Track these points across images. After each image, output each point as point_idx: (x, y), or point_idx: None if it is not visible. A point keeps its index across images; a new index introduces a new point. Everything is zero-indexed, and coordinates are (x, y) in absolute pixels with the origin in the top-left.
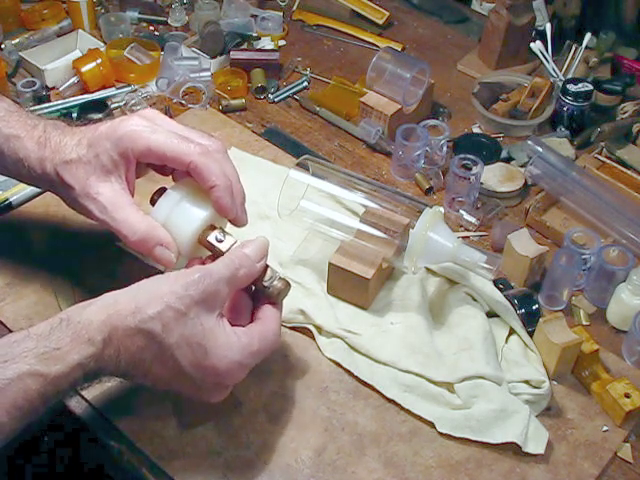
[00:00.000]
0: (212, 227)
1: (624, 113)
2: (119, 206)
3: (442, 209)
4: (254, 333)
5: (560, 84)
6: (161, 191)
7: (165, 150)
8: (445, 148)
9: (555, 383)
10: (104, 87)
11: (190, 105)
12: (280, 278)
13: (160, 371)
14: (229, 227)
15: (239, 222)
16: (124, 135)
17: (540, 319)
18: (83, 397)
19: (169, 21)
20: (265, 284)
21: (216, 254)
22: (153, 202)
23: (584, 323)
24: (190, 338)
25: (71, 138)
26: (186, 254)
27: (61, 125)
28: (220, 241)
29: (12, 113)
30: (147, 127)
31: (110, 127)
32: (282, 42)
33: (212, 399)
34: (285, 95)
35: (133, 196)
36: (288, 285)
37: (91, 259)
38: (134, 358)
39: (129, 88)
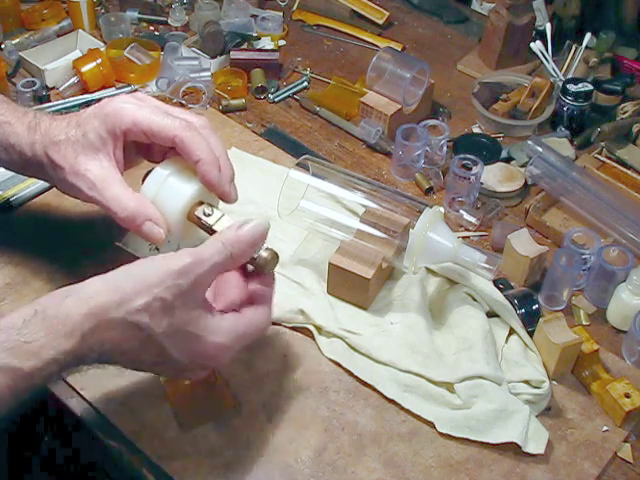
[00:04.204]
0: (200, 203)
1: (624, 113)
2: (108, 183)
3: (442, 209)
4: (243, 316)
5: (560, 84)
6: (151, 172)
7: (150, 124)
8: (445, 148)
9: (555, 383)
10: (104, 87)
11: (190, 105)
12: (267, 248)
13: (147, 357)
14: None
15: (228, 198)
16: (111, 111)
17: (540, 319)
18: (83, 397)
19: (169, 21)
20: (253, 255)
21: (206, 229)
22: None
23: (584, 323)
24: (177, 326)
25: (61, 121)
26: (175, 231)
27: (51, 114)
28: (208, 215)
29: (2, 102)
30: (133, 104)
31: (97, 106)
32: (282, 42)
33: (194, 377)
34: (285, 95)
35: (122, 174)
36: (276, 255)
37: (91, 259)
38: (120, 348)
39: (129, 88)
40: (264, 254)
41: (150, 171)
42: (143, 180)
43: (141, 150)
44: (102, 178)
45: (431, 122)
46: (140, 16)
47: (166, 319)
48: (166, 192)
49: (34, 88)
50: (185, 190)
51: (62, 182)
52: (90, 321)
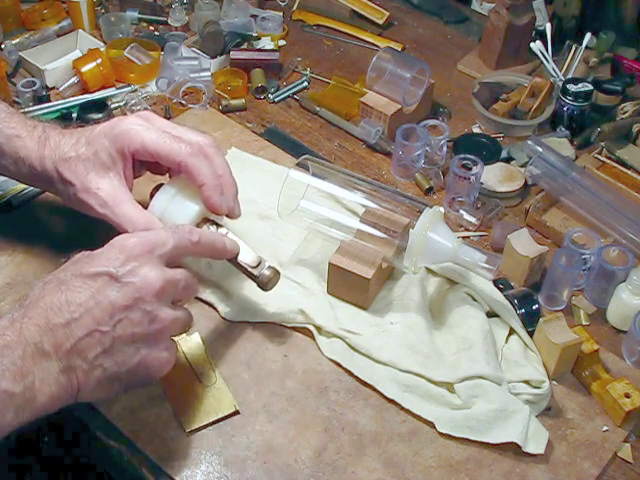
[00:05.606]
0: (205, 220)
1: (624, 113)
2: (119, 200)
3: (442, 209)
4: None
5: (560, 84)
6: (159, 187)
7: (157, 148)
8: (445, 148)
9: (555, 383)
10: (104, 87)
11: (190, 105)
12: (269, 267)
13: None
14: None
15: (231, 215)
16: (121, 132)
17: (540, 319)
18: None
19: (169, 21)
20: (255, 273)
21: None
22: (152, 197)
23: (584, 323)
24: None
25: (70, 137)
26: None
27: (58, 127)
28: None
29: (12, 115)
30: (142, 126)
31: (107, 126)
32: (282, 42)
33: (163, 363)
34: (285, 95)
35: (131, 191)
36: (277, 273)
37: None
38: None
39: (129, 88)
40: (267, 272)
41: (157, 187)
42: (151, 196)
43: (146, 164)
44: (113, 196)
45: (431, 122)
46: (140, 16)
47: (120, 327)
48: (173, 210)
49: (34, 88)
50: (191, 208)
51: (72, 198)
52: (56, 348)
